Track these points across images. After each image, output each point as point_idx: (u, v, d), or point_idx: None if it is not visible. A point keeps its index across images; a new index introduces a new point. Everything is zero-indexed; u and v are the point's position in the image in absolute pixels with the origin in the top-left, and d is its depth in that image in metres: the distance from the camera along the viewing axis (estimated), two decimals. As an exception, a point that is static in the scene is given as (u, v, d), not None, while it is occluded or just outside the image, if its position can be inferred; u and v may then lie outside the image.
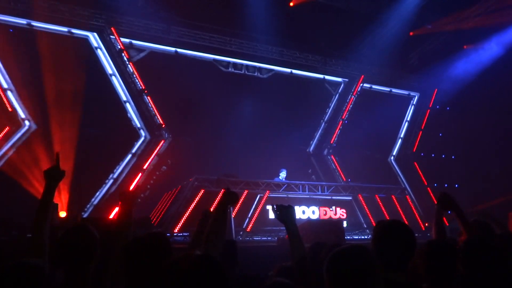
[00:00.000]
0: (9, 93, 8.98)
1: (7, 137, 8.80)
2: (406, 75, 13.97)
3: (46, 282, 1.62)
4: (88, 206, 9.22)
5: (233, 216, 6.94)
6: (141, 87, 10.44)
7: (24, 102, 9.09)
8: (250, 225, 8.97)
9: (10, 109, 8.94)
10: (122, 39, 10.43)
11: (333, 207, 10.21)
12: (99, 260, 2.08)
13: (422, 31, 12.21)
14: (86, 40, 10.15)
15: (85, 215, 8.82)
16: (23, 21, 9.28)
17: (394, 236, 1.95)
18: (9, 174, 8.19)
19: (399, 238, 1.92)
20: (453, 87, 12.80)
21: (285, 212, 2.33)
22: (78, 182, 8.62)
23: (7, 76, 8.98)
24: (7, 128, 8.82)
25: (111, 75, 10.30)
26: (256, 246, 7.32)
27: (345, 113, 13.18)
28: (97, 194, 9.42)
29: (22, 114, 9.07)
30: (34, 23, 9.38)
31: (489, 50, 11.92)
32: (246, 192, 9.42)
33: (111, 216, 8.55)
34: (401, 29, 11.59)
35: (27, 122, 9.08)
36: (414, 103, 14.59)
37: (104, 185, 9.61)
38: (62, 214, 8.10)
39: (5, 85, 8.96)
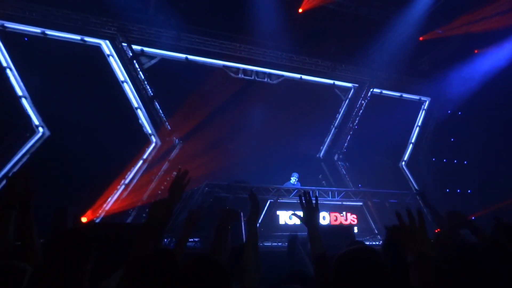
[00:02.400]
0: (23, 100, 9.16)
1: (22, 143, 8.96)
2: (417, 80, 13.88)
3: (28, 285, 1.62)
4: (100, 211, 9.31)
5: (243, 221, 6.94)
6: (152, 94, 10.56)
7: (38, 109, 9.26)
8: (261, 230, 8.95)
9: (24, 116, 9.11)
10: (134, 47, 10.58)
11: (344, 213, 10.16)
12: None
13: (432, 36, 12.14)
14: (98, 48, 10.32)
15: (97, 220, 8.91)
16: (37, 30, 9.48)
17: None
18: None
19: None
20: (465, 92, 12.68)
21: (312, 214, 2.33)
22: (91, 188, 8.73)
23: (21, 84, 9.17)
24: (21, 135, 8.99)
25: (122, 82, 10.45)
26: (266, 252, 7.31)
27: (355, 119, 13.14)
28: (109, 199, 9.52)
29: (36, 121, 9.23)
30: (48, 32, 9.57)
31: (501, 53, 11.80)
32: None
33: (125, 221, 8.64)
34: (410, 34, 11.54)
35: (41, 129, 9.24)
36: (425, 108, 14.48)
37: (116, 190, 9.71)
38: (84, 219, 8.22)
39: (20, 93, 9.14)
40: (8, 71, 9.10)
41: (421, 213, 1.65)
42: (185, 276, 1.61)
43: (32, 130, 9.16)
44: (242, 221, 6.53)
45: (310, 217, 2.32)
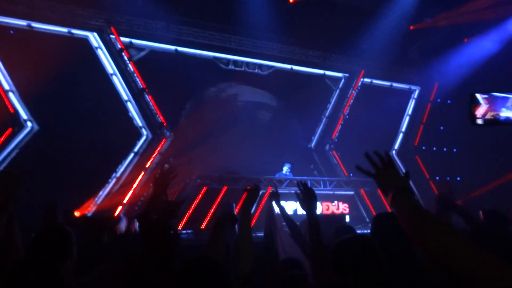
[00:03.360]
0: (10, 94, 9.02)
1: (10, 139, 8.85)
2: (407, 69, 13.95)
3: None
4: (92, 205, 9.26)
5: (235, 212, 6.97)
6: (141, 86, 10.47)
7: (26, 103, 9.13)
8: (253, 221, 8.99)
9: (12, 111, 8.98)
10: (122, 39, 10.45)
11: (336, 202, 10.25)
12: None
13: (422, 25, 12.18)
14: (86, 40, 10.17)
15: (89, 214, 8.87)
16: (23, 23, 9.30)
17: (393, 227, 1.96)
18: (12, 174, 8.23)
19: (398, 229, 1.94)
20: (454, 80, 12.77)
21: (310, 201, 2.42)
22: (81, 182, 8.67)
23: (8, 78, 9.02)
24: (9, 130, 8.86)
25: (111, 74, 10.33)
26: (259, 242, 7.33)
27: (346, 108, 13.19)
28: (100, 193, 9.46)
29: (24, 115, 9.11)
30: (34, 24, 9.40)
31: (490, 42, 11.89)
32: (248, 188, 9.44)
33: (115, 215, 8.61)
34: (401, 23, 11.57)
35: (29, 123, 9.12)
36: (415, 97, 14.58)
37: (107, 184, 9.66)
38: (77, 213, 8.18)
39: (6, 87, 8.99)
40: (-6, 65, 8.94)
41: (388, 154, 1.63)
42: (185, 276, 1.61)
43: (20, 125, 9.04)
44: (234, 211, 6.53)
45: (311, 204, 2.44)
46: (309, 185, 9.70)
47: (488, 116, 1.41)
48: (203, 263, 1.68)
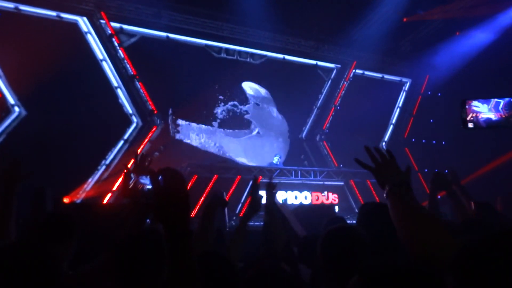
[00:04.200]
0: (-3, 78, 8.84)
1: (-3, 123, 8.70)
2: (398, 61, 13.99)
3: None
4: (81, 192, 9.19)
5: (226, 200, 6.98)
6: (132, 73, 10.34)
7: (14, 88, 8.96)
8: (243, 210, 9.02)
9: (-1, 95, 8.82)
10: (113, 24, 10.28)
11: (325, 192, 10.33)
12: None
13: (416, 18, 12.17)
14: (75, 25, 9.98)
15: (78, 201, 8.81)
16: (10, 5, 9.08)
17: (379, 217, 1.97)
18: (-1, 160, 8.13)
19: (383, 219, 1.95)
20: (445, 74, 12.85)
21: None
22: (70, 169, 8.58)
23: (-5, 61, 8.83)
24: (-4, 114, 8.72)
25: (101, 60, 10.18)
26: (249, 231, 7.37)
27: (337, 99, 13.22)
28: (90, 180, 9.39)
29: (11, 100, 8.95)
30: (22, 7, 9.19)
31: (482, 36, 11.95)
32: (238, 177, 9.47)
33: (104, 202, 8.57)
34: (394, 15, 11.54)
35: (16, 108, 8.96)
36: (406, 89, 14.66)
37: (96, 171, 9.58)
38: (66, 200, 8.10)
39: (-7, 71, 8.81)
40: (-20, 48, 8.73)
41: (390, 151, 1.63)
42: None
43: (8, 110, 8.88)
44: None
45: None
46: (299, 175, 9.76)
47: (469, 119, 1.44)
48: (211, 258, 1.65)
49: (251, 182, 2.63)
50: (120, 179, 9.00)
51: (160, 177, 1.22)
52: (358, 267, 1.57)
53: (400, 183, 1.46)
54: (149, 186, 1.33)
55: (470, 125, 1.50)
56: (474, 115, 1.50)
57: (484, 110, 1.47)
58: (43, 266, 1.42)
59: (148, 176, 1.33)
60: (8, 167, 2.06)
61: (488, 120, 1.46)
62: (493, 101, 1.47)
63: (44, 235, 2.05)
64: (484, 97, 1.52)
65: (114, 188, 9.22)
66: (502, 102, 1.46)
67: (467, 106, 1.49)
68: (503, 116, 1.45)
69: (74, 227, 2.23)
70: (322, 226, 3.04)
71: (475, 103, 1.48)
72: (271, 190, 2.85)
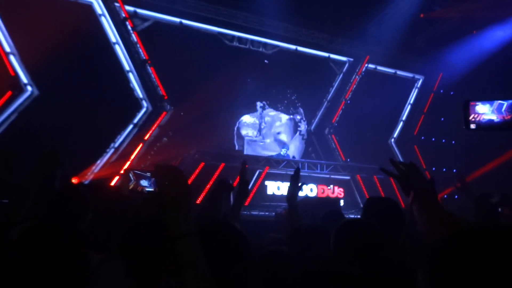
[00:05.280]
0: (11, 57, 8.91)
1: (9, 102, 8.79)
2: (412, 58, 13.82)
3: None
4: (89, 174, 9.31)
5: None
6: (144, 57, 10.36)
7: (27, 67, 9.04)
8: (249, 200, 9.08)
9: (12, 74, 8.90)
10: (127, 7, 10.28)
11: (331, 186, 10.34)
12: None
13: (433, 14, 11.96)
14: (90, 7, 10.00)
15: (86, 182, 8.92)
16: (26, -16, 9.11)
17: (384, 212, 1.98)
18: (11, 139, 8.25)
19: (389, 214, 1.96)
20: (459, 72, 12.68)
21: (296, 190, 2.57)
22: (79, 150, 8.67)
23: (10, 40, 8.89)
24: (9, 93, 8.80)
25: (114, 43, 10.20)
26: (253, 220, 7.44)
27: (348, 93, 13.13)
28: (98, 162, 9.49)
29: (24, 79, 9.03)
30: (38, -13, 9.21)
31: (498, 36, 11.74)
32: (245, 167, 9.49)
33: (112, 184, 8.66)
34: (410, 10, 11.36)
35: (29, 87, 9.05)
36: (418, 86, 14.51)
37: (105, 154, 9.68)
38: (74, 180, 8.19)
39: (7, 49, 8.88)
40: (-5, 25, 8.80)
41: (412, 162, 1.70)
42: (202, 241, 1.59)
43: (20, 88, 8.97)
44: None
45: (295, 194, 2.58)
46: (306, 167, 9.79)
47: (471, 119, 1.45)
48: (223, 228, 1.66)
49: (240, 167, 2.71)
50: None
51: (163, 176, 1.24)
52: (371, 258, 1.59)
53: (424, 191, 1.54)
54: (149, 189, 1.35)
55: (473, 126, 1.51)
56: (476, 116, 1.50)
57: (486, 112, 1.47)
58: (73, 244, 1.48)
59: (151, 174, 1.35)
60: (49, 152, 2.09)
61: (490, 122, 1.47)
62: (496, 102, 1.47)
63: (60, 212, 2.05)
64: (489, 98, 1.53)
65: (122, 171, 9.31)
66: (505, 104, 1.46)
67: (470, 107, 1.50)
68: (505, 118, 1.45)
69: (88, 202, 2.22)
70: (320, 218, 3.09)
71: (478, 104, 1.48)
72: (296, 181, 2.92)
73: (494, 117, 1.46)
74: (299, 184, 2.76)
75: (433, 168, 13.51)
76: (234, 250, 1.57)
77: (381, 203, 2.08)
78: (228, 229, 1.66)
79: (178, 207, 1.21)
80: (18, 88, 8.95)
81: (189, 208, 1.25)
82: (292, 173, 2.89)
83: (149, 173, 1.26)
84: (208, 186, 8.81)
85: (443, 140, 14.28)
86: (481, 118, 1.50)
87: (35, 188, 2.14)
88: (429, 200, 1.51)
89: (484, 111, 1.48)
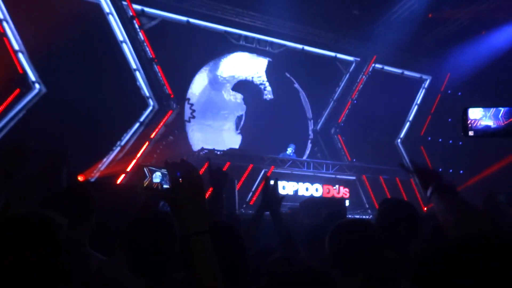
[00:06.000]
0: (20, 55, 8.99)
1: (18, 99, 8.88)
2: (420, 58, 13.73)
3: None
4: (95, 171, 9.36)
5: (237, 189, 7.04)
6: (151, 56, 10.40)
7: (35, 64, 9.11)
8: (253, 199, 9.09)
9: (21, 71, 8.97)
10: (134, 6, 10.32)
11: (337, 186, 10.29)
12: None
13: (441, 14, 11.85)
14: (98, 5, 10.05)
15: (92, 180, 8.97)
16: (35, -17, 9.18)
17: (399, 214, 1.97)
18: (19, 136, 8.32)
19: (404, 217, 1.95)
20: (467, 73, 12.57)
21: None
22: (86, 148, 8.73)
23: (18, 38, 8.97)
24: (17, 91, 8.88)
25: (121, 42, 10.25)
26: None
27: (355, 93, 13.08)
28: (104, 160, 9.54)
29: (32, 77, 9.10)
30: (46, -15, 9.28)
31: (507, 37, 11.62)
32: (251, 166, 9.50)
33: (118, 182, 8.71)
34: (418, 9, 11.28)
35: (37, 85, 9.12)
36: (426, 86, 14.41)
37: (111, 152, 9.73)
38: (80, 178, 8.23)
39: (16, 47, 8.96)
40: (4, 23, 8.88)
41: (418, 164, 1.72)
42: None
43: (29, 86, 9.04)
44: (236, 191, 6.60)
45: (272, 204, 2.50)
46: (311, 167, 9.73)
47: (469, 126, 1.45)
48: (221, 227, 1.63)
49: (264, 181, 2.61)
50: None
51: (178, 172, 1.23)
52: (367, 261, 1.58)
53: (444, 187, 1.56)
54: (166, 186, 1.34)
55: (471, 133, 1.51)
56: (473, 122, 1.50)
57: (484, 118, 1.47)
58: (42, 232, 1.36)
59: (165, 170, 1.32)
60: (56, 153, 2.01)
61: (487, 128, 1.47)
62: (493, 109, 1.47)
63: (64, 209, 2.05)
64: (486, 105, 1.54)
65: (128, 169, 9.35)
66: (502, 110, 1.45)
67: (468, 114, 1.51)
68: (502, 124, 1.45)
69: (94, 201, 2.23)
70: (322, 218, 3.07)
71: (475, 110, 1.48)
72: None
73: (491, 123, 1.46)
74: (272, 183, 2.64)
75: (440, 169, 13.41)
76: (232, 252, 1.56)
77: (396, 205, 2.06)
78: (228, 231, 1.64)
79: (193, 204, 1.21)
80: (27, 86, 9.03)
81: (204, 204, 1.23)
82: (298, 172, 2.82)
83: (164, 170, 1.25)
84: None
85: (450, 141, 14.17)
86: (478, 124, 1.51)
87: (40, 187, 2.13)
88: (449, 190, 1.53)
89: (481, 117, 1.48)
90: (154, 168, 1.38)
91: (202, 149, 9.58)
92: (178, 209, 1.21)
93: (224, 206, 2.50)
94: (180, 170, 1.23)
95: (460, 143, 14.11)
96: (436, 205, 1.52)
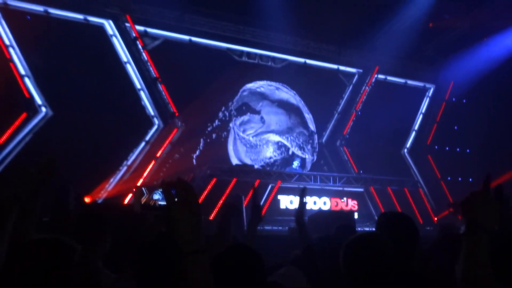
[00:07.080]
0: (26, 79, 9.12)
1: (25, 123, 8.97)
2: (422, 67, 13.74)
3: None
4: (102, 192, 9.37)
5: (244, 205, 7.00)
6: (155, 75, 10.50)
7: (41, 88, 9.23)
8: (262, 213, 9.01)
9: (27, 96, 9.09)
10: (137, 27, 10.48)
11: (345, 199, 10.22)
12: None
13: (442, 23, 11.89)
14: (101, 28, 10.22)
15: (100, 201, 8.97)
16: (40, 8, 9.38)
17: (397, 227, 1.95)
18: (26, 160, 8.38)
19: (402, 229, 1.92)
20: (470, 80, 12.54)
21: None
22: (92, 168, 8.76)
23: (24, 63, 9.12)
24: (24, 114, 8.98)
25: (125, 62, 10.37)
26: (266, 236, 7.36)
27: (358, 104, 13.07)
28: (111, 180, 9.56)
29: (39, 100, 9.21)
30: (51, 10, 9.47)
31: (509, 43, 11.62)
32: (257, 181, 9.47)
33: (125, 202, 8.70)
34: (419, 19, 11.33)
35: (43, 109, 9.22)
36: (430, 95, 14.38)
37: (118, 171, 9.75)
38: (87, 200, 8.24)
39: (22, 72, 9.10)
40: (11, 49, 9.03)
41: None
42: (222, 263, 1.58)
43: (35, 110, 9.15)
44: (244, 207, 6.55)
45: (303, 212, 2.59)
46: (318, 180, 9.70)
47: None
48: (241, 251, 1.66)
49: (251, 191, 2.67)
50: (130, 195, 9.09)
51: (173, 190, 1.22)
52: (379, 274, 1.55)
53: (476, 228, 1.28)
54: (162, 202, 1.34)
55: None
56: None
57: None
58: (57, 258, 1.46)
59: (161, 190, 1.32)
60: (45, 162, 2.02)
61: None
62: None
63: (78, 236, 2.10)
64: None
65: (135, 189, 9.35)
66: None
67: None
68: None
69: (108, 228, 2.31)
70: (332, 232, 3.04)
71: None
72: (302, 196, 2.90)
73: None
74: (304, 202, 2.76)
75: (448, 178, 13.29)
76: (251, 274, 1.57)
77: (394, 217, 2.04)
78: (244, 253, 1.65)
79: (189, 222, 1.18)
80: (33, 109, 9.13)
81: (199, 223, 1.21)
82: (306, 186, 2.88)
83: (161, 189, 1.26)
84: (220, 202, 8.79)
85: (458, 149, 14.06)
86: None
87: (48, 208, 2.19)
88: (477, 240, 1.24)
89: None
90: (152, 187, 1.39)
91: (208, 166, 9.57)
92: (174, 228, 1.18)
93: (230, 236, 2.53)
94: (176, 189, 1.21)
95: (468, 150, 14.00)
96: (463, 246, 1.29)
